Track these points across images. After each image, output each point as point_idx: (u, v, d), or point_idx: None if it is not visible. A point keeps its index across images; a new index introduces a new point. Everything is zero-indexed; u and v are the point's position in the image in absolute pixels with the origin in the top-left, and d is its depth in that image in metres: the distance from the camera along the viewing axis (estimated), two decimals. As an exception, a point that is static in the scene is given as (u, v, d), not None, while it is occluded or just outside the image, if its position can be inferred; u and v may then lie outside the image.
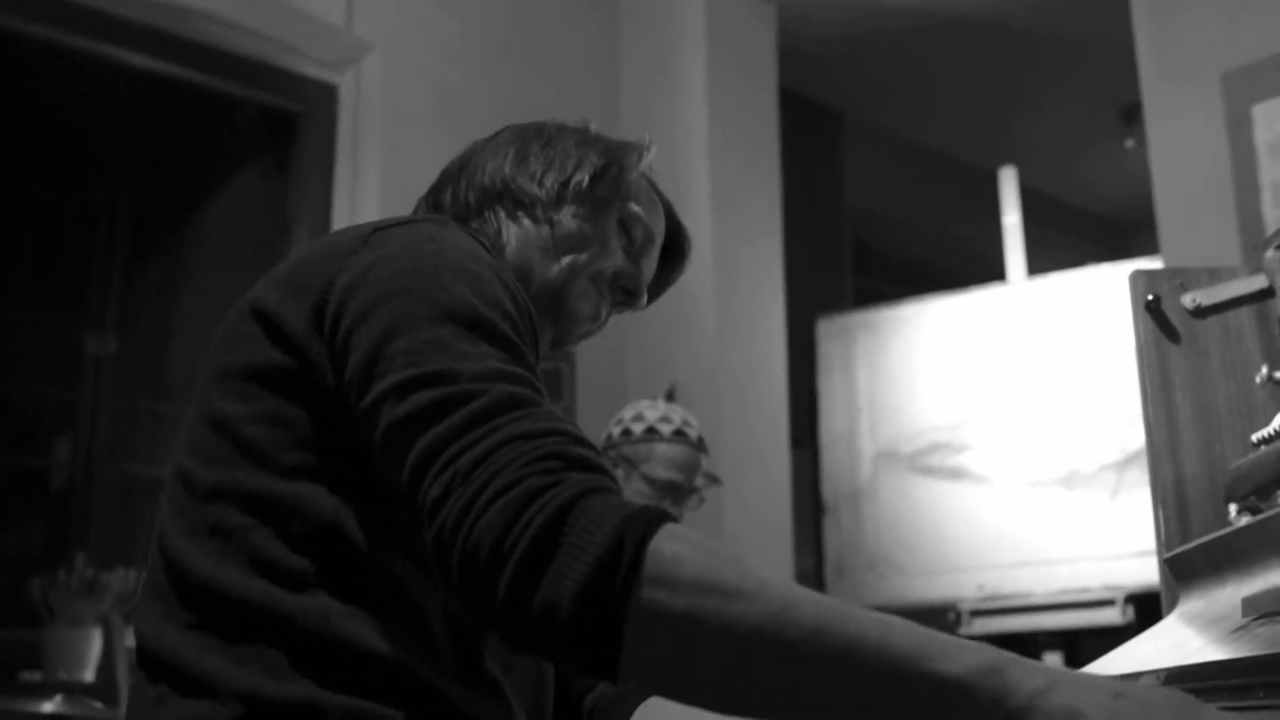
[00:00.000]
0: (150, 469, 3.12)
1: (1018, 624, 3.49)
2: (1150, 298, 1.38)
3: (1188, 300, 1.38)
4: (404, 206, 1.28)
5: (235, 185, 3.43)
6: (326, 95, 3.23)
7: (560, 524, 0.74)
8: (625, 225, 1.18)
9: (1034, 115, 4.92)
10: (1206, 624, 1.13)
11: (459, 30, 3.38)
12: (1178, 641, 1.13)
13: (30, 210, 3.27)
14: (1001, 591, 3.56)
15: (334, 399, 0.92)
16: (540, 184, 1.15)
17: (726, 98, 3.60)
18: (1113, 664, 1.13)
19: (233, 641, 0.89)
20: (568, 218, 1.14)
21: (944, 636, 0.72)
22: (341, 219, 3.14)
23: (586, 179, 1.15)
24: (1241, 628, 1.03)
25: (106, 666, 2.48)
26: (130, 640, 2.05)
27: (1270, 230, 1.60)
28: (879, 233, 5.19)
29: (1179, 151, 2.76)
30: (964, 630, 3.48)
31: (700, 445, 2.43)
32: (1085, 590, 3.44)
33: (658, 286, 1.26)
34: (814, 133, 4.60)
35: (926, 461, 3.76)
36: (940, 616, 3.52)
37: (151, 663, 0.92)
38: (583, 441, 0.81)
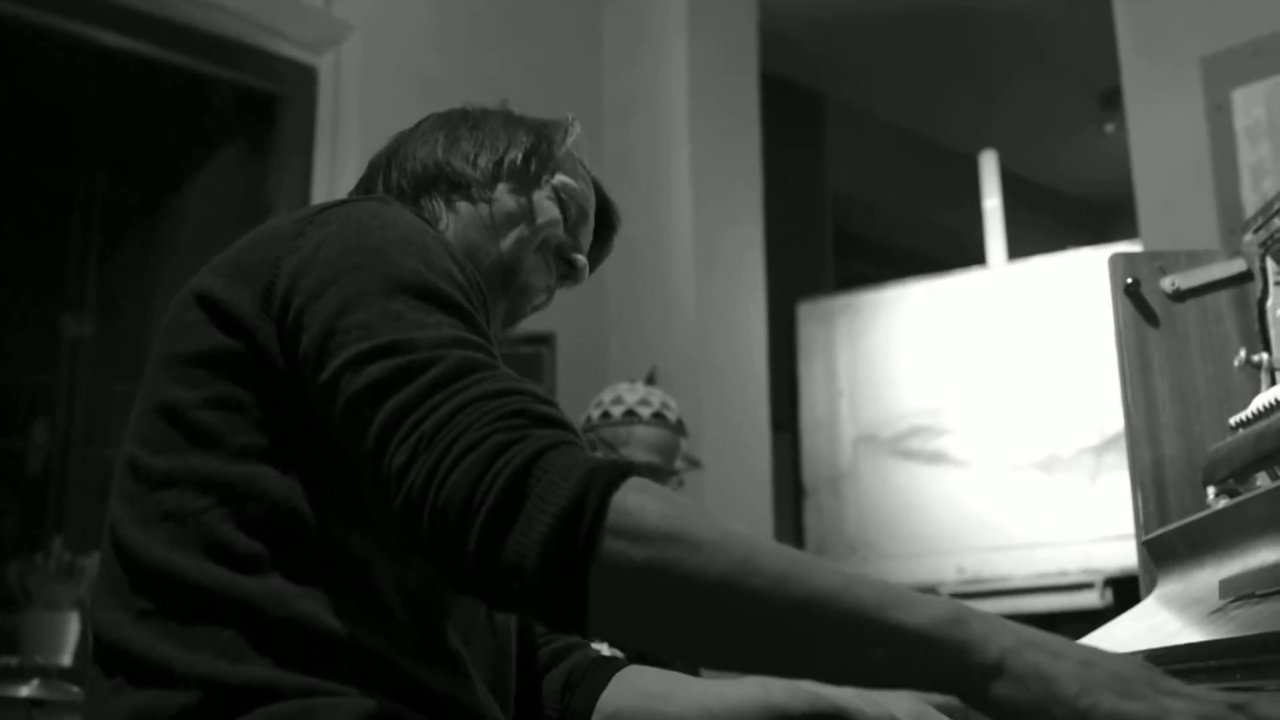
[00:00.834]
0: (128, 453, 3.10)
1: (997, 607, 3.50)
2: (1129, 281, 1.38)
3: (1167, 284, 1.38)
4: (383, 188, 1.27)
5: (213, 167, 3.40)
6: (306, 77, 3.20)
7: (525, 477, 0.74)
8: (560, 198, 1.19)
9: (1014, 100, 4.93)
10: (1184, 606, 1.13)
11: (440, 12, 3.35)
12: (1156, 624, 1.13)
13: (5, 192, 3.24)
14: (981, 575, 3.58)
15: (284, 381, 0.92)
16: (474, 165, 1.16)
17: (708, 81, 3.59)
18: (1091, 646, 1.13)
19: (188, 626, 0.89)
20: (504, 195, 1.16)
21: (908, 590, 0.72)
22: (321, 201, 3.11)
23: (520, 156, 1.17)
24: (1219, 610, 1.03)
25: (84, 651, 2.46)
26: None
27: (1249, 214, 1.61)
28: (860, 216, 5.19)
29: (1158, 136, 2.77)
30: (943, 613, 3.50)
31: (679, 428, 2.43)
32: (1064, 573, 3.46)
33: (593, 260, 1.27)
34: (795, 117, 4.60)
35: (907, 445, 3.78)
36: (920, 600, 3.53)
37: (108, 654, 0.92)
38: (545, 400, 0.81)
